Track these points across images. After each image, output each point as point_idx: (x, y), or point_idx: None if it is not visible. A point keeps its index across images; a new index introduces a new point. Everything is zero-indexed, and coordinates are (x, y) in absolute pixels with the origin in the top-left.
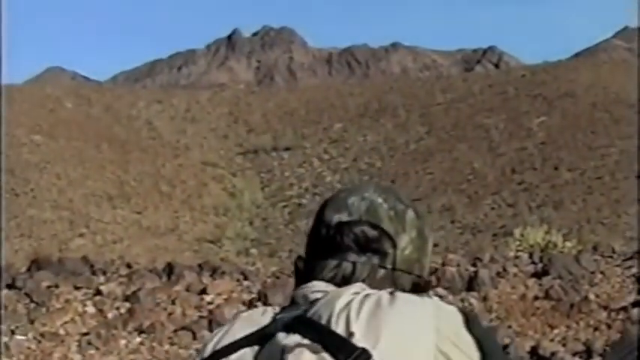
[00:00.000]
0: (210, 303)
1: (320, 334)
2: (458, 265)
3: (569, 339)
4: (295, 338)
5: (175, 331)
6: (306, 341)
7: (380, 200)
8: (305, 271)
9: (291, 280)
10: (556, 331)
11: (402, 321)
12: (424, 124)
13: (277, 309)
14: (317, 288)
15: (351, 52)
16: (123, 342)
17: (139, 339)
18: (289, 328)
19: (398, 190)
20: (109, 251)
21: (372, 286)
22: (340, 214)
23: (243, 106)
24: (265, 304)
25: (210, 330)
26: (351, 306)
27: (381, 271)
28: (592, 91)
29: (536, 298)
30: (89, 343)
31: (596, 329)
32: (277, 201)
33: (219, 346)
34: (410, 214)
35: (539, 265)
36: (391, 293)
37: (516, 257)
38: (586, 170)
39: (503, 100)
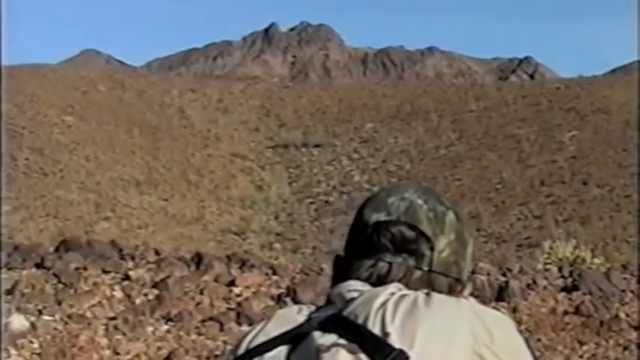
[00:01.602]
0: (238, 295)
1: (356, 334)
2: (488, 274)
3: (599, 356)
4: (331, 338)
5: (203, 321)
6: (342, 341)
7: (420, 201)
8: (342, 270)
9: (321, 278)
10: (585, 347)
11: (438, 322)
12: (455, 131)
13: (313, 308)
14: (353, 287)
15: (386, 53)
16: (150, 329)
17: (166, 327)
18: (325, 327)
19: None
20: (134, 237)
21: (407, 287)
22: (379, 214)
23: (276, 100)
24: (294, 299)
25: (239, 323)
26: (387, 306)
27: (417, 273)
28: (625, 108)
29: (565, 312)
30: (116, 328)
31: (625, 349)
32: (304, 197)
33: (253, 344)
34: (450, 216)
35: (569, 280)
36: (427, 294)
37: (546, 270)
38: (615, 187)
39: (536, 111)
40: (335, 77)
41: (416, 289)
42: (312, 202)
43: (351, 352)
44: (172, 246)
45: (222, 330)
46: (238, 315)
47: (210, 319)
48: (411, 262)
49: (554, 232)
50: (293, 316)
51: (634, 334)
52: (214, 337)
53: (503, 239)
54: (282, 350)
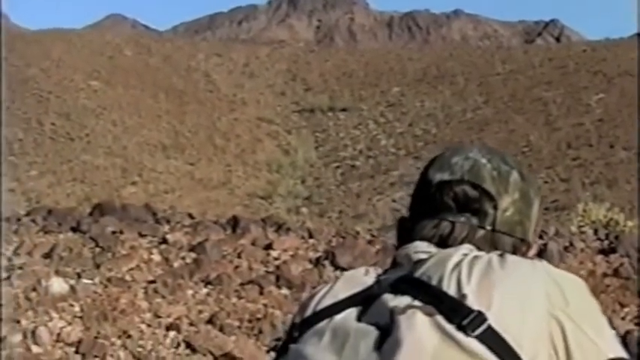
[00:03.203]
0: (276, 259)
1: (431, 295)
2: None
3: None
4: (405, 300)
5: (242, 284)
6: (417, 302)
7: (484, 160)
8: (406, 231)
9: (359, 241)
10: (626, 309)
11: (514, 283)
12: (482, 94)
13: (380, 270)
14: (420, 248)
15: (412, 16)
16: (190, 292)
17: (205, 290)
18: (396, 289)
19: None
20: (160, 201)
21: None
22: (443, 173)
23: (302, 65)
24: (333, 263)
25: (278, 286)
26: (461, 267)
27: (480, 232)
28: None
29: (604, 275)
30: (156, 291)
31: None
32: (330, 161)
33: (320, 306)
34: (514, 175)
35: (606, 242)
36: (501, 255)
37: (581, 232)
38: None
39: (563, 74)
40: (360, 41)
41: (480, 248)
42: (338, 166)
43: (428, 313)
44: (199, 210)
45: (261, 293)
46: (277, 278)
47: (250, 282)
48: (474, 221)
49: (581, 195)
50: (361, 277)
51: None
52: (255, 300)
53: None
54: (352, 312)
